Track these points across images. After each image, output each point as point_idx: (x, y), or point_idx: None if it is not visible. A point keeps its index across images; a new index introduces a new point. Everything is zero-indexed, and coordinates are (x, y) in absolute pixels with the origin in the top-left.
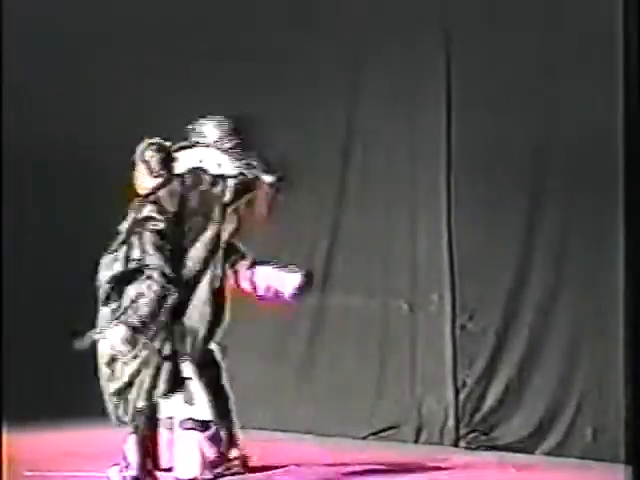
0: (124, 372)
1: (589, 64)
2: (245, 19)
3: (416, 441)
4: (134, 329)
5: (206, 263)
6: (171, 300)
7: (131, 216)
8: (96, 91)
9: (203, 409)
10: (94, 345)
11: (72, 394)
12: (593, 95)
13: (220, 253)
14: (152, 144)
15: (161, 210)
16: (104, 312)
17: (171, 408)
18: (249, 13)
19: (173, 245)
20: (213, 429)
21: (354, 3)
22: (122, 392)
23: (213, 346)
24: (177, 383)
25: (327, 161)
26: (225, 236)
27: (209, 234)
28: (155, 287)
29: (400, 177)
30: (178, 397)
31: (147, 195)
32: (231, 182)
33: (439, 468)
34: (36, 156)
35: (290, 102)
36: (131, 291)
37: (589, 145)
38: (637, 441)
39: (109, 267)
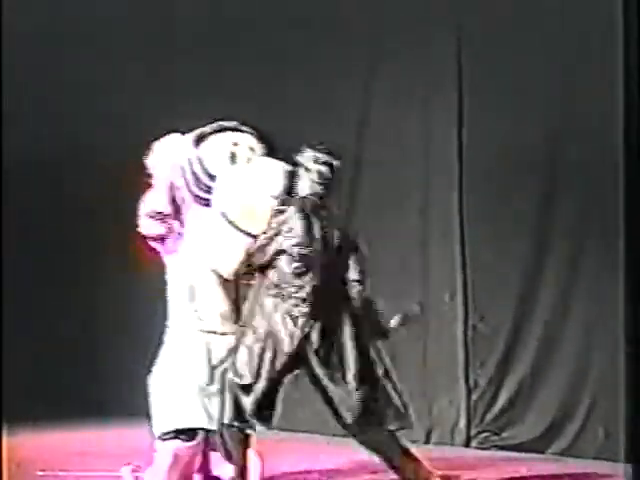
0: None
1: (598, 64)
2: (258, 19)
3: (427, 441)
4: None
5: None
6: None
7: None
8: (96, 90)
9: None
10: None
11: (86, 394)
12: (603, 96)
13: None
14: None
15: None
16: None
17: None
18: (262, 12)
19: None
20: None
21: (367, 5)
22: None
23: None
24: None
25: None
26: None
27: None
28: None
29: (412, 178)
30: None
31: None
32: None
33: None
34: (35, 155)
35: (300, 105)
36: None
37: (603, 147)
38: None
39: None
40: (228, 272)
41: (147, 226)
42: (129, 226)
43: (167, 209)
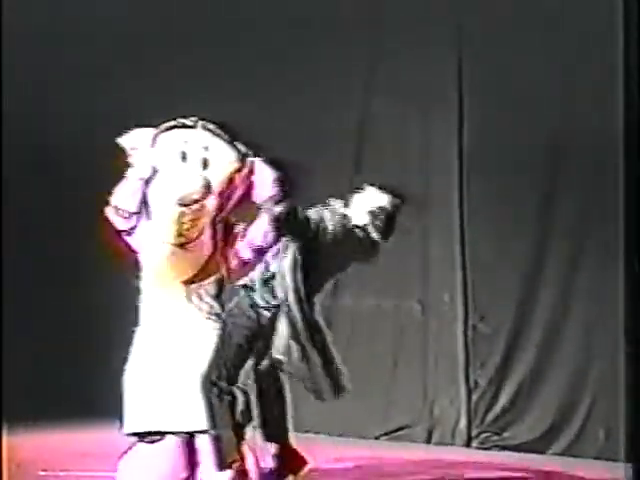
0: None
1: (598, 64)
2: (258, 19)
3: (428, 441)
4: None
5: None
6: None
7: None
8: (95, 89)
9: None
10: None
11: (86, 394)
12: (603, 96)
13: None
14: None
15: None
16: None
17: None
18: (262, 12)
19: None
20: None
21: (367, 5)
22: None
23: None
24: None
25: (338, 161)
26: None
27: None
28: None
29: (412, 178)
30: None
31: None
32: None
33: None
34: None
35: (301, 103)
36: None
37: (603, 147)
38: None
39: None
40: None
41: (112, 218)
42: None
43: (132, 207)
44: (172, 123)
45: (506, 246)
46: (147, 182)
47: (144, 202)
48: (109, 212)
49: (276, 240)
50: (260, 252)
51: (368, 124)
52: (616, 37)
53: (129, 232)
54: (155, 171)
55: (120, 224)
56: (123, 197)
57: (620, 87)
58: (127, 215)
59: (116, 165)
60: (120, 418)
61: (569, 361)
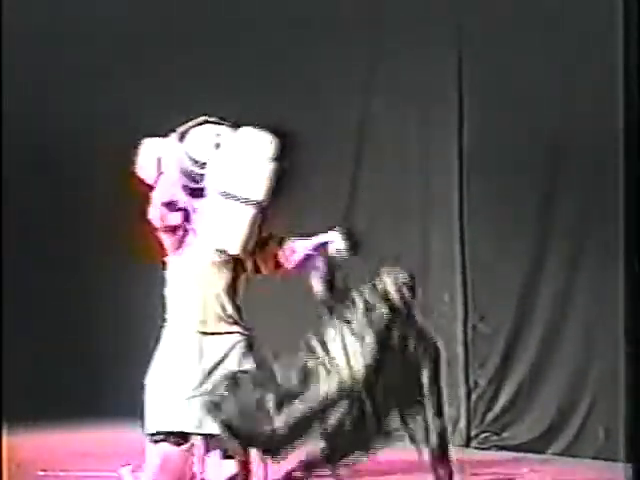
0: None
1: (598, 64)
2: (258, 19)
3: (427, 441)
4: None
5: None
6: None
7: None
8: (95, 89)
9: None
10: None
11: (86, 394)
12: (603, 95)
13: None
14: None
15: None
16: None
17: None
18: (262, 12)
19: None
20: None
21: (367, 5)
22: None
23: None
24: None
25: (338, 161)
26: None
27: None
28: None
29: (412, 178)
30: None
31: None
32: None
33: None
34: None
35: (301, 103)
36: None
37: (603, 147)
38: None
39: None
40: (236, 247)
41: (161, 216)
42: (129, 226)
43: (182, 198)
44: (198, 119)
45: (506, 246)
46: (191, 178)
47: (194, 195)
48: (154, 210)
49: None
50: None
51: (368, 124)
52: (616, 37)
53: (173, 231)
54: (196, 163)
55: (168, 220)
56: (171, 191)
57: (620, 87)
58: (177, 208)
59: (120, 166)
60: (119, 418)
61: (569, 361)
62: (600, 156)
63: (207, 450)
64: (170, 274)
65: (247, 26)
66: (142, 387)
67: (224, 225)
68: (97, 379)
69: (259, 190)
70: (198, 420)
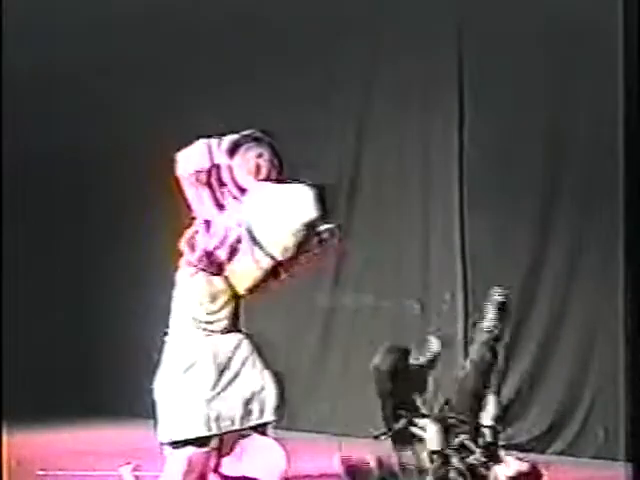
0: None
1: (598, 64)
2: (257, 18)
3: None
4: None
5: None
6: None
7: None
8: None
9: None
10: None
11: (86, 394)
12: (603, 95)
13: None
14: None
15: None
16: None
17: None
18: (261, 12)
19: None
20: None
21: (367, 4)
22: None
23: None
24: None
25: (338, 161)
26: None
27: None
28: None
29: (413, 177)
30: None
31: None
32: None
33: None
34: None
35: (301, 103)
36: None
37: (603, 147)
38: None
39: None
40: (242, 288)
41: (201, 260)
42: (131, 226)
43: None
44: (245, 135)
45: (506, 245)
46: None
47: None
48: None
49: None
50: None
51: (370, 124)
52: (616, 37)
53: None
54: (236, 186)
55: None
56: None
57: (620, 87)
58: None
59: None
60: (119, 418)
61: (569, 360)
62: (600, 156)
63: (231, 449)
64: (181, 278)
65: (247, 26)
66: (142, 387)
67: (239, 260)
68: (97, 379)
69: (284, 252)
70: (218, 420)
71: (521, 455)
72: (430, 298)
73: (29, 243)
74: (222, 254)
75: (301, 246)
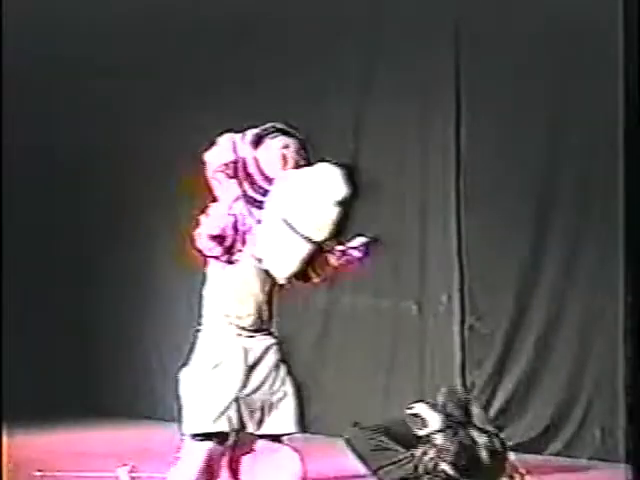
0: None
1: (598, 64)
2: (258, 18)
3: None
4: None
5: None
6: None
7: None
8: (97, 90)
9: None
10: None
11: (86, 394)
12: (603, 95)
13: None
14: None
15: None
16: None
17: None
18: (261, 12)
19: None
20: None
21: (367, 4)
22: None
23: None
24: None
25: (338, 161)
26: None
27: None
28: None
29: (410, 179)
30: None
31: None
32: None
33: None
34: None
35: (300, 103)
36: None
37: (603, 146)
38: (636, 440)
39: None
40: (283, 276)
41: (206, 246)
42: (133, 226)
43: (228, 232)
44: (270, 127)
45: (504, 246)
46: (254, 188)
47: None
48: (201, 239)
49: None
50: None
51: (368, 124)
52: (616, 37)
53: (221, 242)
54: (263, 176)
55: (214, 251)
56: (218, 223)
57: (620, 87)
58: (222, 241)
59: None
60: (119, 418)
61: (566, 361)
62: (600, 156)
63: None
64: (211, 274)
65: (246, 26)
66: (142, 387)
67: (278, 251)
68: (98, 379)
69: (322, 232)
70: (240, 420)
71: (519, 456)
72: (427, 300)
73: (29, 243)
74: (250, 246)
75: (337, 227)
